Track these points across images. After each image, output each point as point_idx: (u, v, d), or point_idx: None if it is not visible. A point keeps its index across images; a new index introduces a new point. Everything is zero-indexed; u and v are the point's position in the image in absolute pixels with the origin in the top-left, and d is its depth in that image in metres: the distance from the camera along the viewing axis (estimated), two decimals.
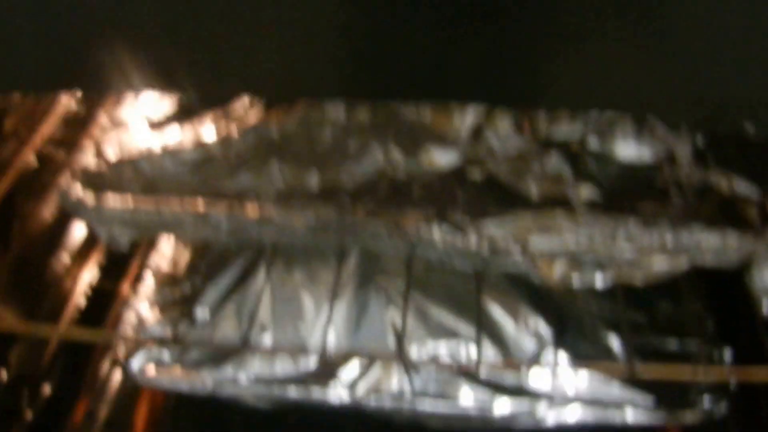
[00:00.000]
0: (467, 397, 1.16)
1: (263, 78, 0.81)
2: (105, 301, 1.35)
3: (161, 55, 0.77)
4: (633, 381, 1.16)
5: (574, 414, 1.16)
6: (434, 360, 1.18)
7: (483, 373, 1.18)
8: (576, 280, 1.02)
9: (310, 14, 0.73)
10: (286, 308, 1.22)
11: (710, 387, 1.17)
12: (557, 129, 1.10)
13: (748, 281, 1.01)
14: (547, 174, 1.05)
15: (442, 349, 1.19)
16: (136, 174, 1.07)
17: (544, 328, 1.19)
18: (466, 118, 1.11)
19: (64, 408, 1.30)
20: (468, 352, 1.19)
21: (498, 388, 1.17)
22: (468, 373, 1.18)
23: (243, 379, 1.18)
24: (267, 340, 1.20)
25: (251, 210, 1.00)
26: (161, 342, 1.20)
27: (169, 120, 1.15)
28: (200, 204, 1.01)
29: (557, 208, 1.00)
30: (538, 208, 1.00)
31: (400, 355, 1.17)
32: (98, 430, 1.33)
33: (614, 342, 1.20)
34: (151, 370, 1.21)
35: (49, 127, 1.25)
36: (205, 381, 1.19)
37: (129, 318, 1.26)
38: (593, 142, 1.09)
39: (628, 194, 1.03)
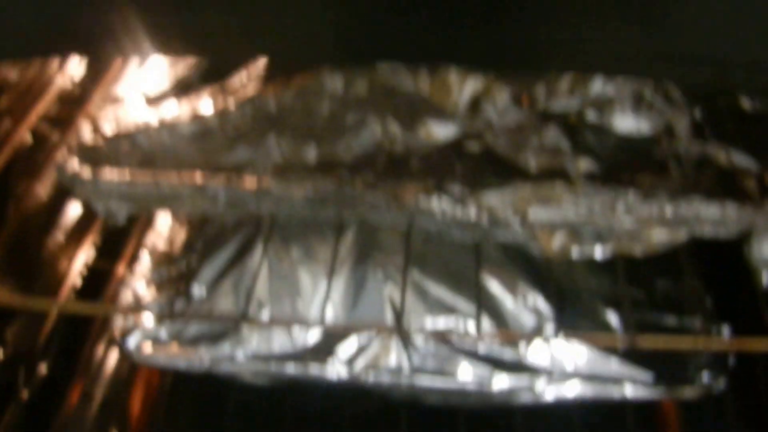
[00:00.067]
0: (466, 373, 1.16)
1: (276, 41, 0.80)
2: (101, 281, 1.35)
3: (169, 19, 0.77)
4: (632, 356, 1.16)
5: (572, 389, 1.15)
6: (433, 335, 1.18)
7: (482, 348, 1.17)
8: (575, 252, 1.01)
9: None
10: (283, 285, 1.21)
11: (709, 363, 1.16)
12: (555, 102, 1.10)
13: (747, 253, 1.00)
14: (545, 146, 1.05)
15: (441, 324, 1.18)
16: (133, 148, 1.06)
17: (542, 304, 1.19)
18: (464, 91, 1.11)
19: (60, 388, 1.30)
20: (466, 327, 1.18)
21: (497, 364, 1.17)
22: (467, 349, 1.17)
23: (240, 355, 1.18)
24: (264, 316, 1.20)
25: (249, 182, 1.00)
26: (159, 317, 1.19)
27: (166, 95, 1.14)
28: (198, 176, 1.00)
29: (557, 180, 0.99)
30: (537, 180, 1.00)
31: (399, 331, 1.17)
32: (94, 410, 1.32)
33: (613, 318, 1.20)
34: (147, 347, 1.20)
35: (44, 105, 1.25)
36: (203, 358, 1.18)
37: (125, 296, 1.25)
38: (591, 115, 1.09)
39: (626, 167, 1.02)
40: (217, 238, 1.28)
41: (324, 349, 1.18)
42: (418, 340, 1.18)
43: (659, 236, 1.00)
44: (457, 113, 1.09)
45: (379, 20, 0.81)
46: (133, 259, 1.31)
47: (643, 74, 1.07)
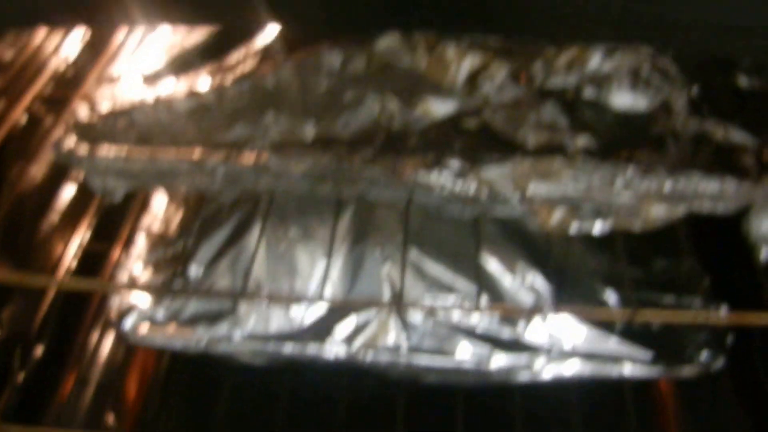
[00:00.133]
0: (464, 351, 1.16)
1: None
2: (96, 263, 1.34)
3: None
4: (630, 335, 1.16)
5: (571, 367, 1.15)
6: (431, 315, 1.18)
7: (480, 327, 1.17)
8: (574, 227, 1.01)
9: None
10: (280, 265, 1.21)
11: (707, 342, 1.17)
12: (553, 79, 1.10)
13: (745, 229, 1.01)
14: (543, 123, 1.05)
15: (439, 304, 1.18)
16: (129, 125, 1.06)
17: (541, 283, 1.19)
18: (462, 68, 1.10)
19: (56, 371, 1.29)
20: (464, 306, 1.18)
21: (495, 342, 1.17)
22: (465, 328, 1.17)
23: (237, 335, 1.17)
24: (262, 296, 1.19)
25: (247, 157, 0.99)
26: (156, 297, 1.19)
27: (162, 73, 1.14)
28: (196, 152, 1.00)
29: (555, 155, 0.99)
30: (536, 155, 0.99)
31: (397, 309, 1.16)
32: (90, 394, 1.31)
33: (611, 297, 1.20)
34: (144, 328, 1.19)
35: (39, 85, 1.24)
36: (200, 338, 1.17)
37: (121, 278, 1.24)
38: (589, 92, 1.09)
39: (624, 143, 1.02)
40: (214, 219, 1.27)
41: (322, 329, 1.18)
42: (417, 319, 1.17)
43: (658, 211, 1.00)
44: (455, 89, 1.09)
45: None
46: (129, 241, 1.30)
47: (641, 41, 1.07)
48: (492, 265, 1.19)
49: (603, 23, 0.87)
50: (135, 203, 1.35)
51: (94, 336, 1.35)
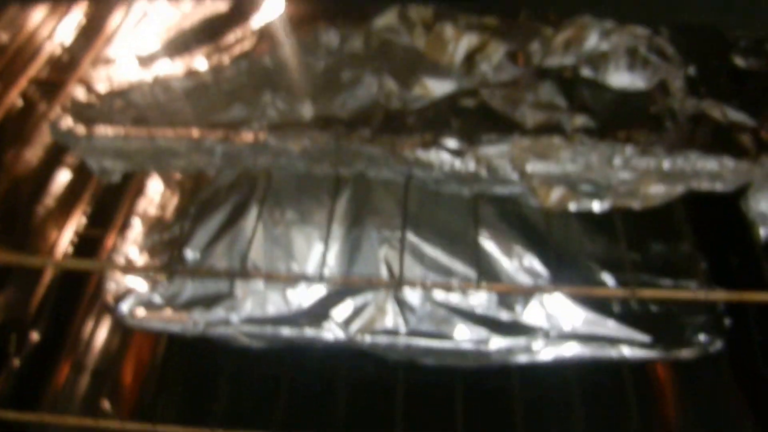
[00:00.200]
0: (462, 334, 1.15)
1: None
2: (92, 248, 1.33)
3: None
4: (629, 318, 1.16)
5: (570, 349, 1.15)
6: (429, 297, 1.17)
7: (478, 309, 1.17)
8: (573, 206, 1.01)
9: None
10: (277, 248, 1.21)
11: (706, 325, 1.17)
12: (550, 59, 1.10)
13: (743, 207, 1.01)
14: (541, 103, 1.05)
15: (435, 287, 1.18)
16: (127, 105, 1.05)
17: (538, 266, 1.19)
18: (460, 47, 1.10)
19: (52, 357, 1.28)
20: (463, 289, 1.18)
21: (493, 324, 1.16)
22: (463, 310, 1.17)
23: (235, 319, 1.17)
24: (259, 280, 1.19)
25: (246, 136, 0.99)
26: (152, 281, 1.18)
27: (158, 55, 1.13)
28: (194, 131, 0.99)
29: (554, 134, 0.99)
30: (535, 134, 0.99)
31: (395, 292, 1.16)
32: (86, 380, 1.31)
33: (609, 280, 1.20)
34: (140, 312, 1.19)
35: (34, 69, 1.24)
36: (197, 321, 1.17)
37: (118, 262, 1.24)
38: (586, 72, 1.09)
39: (622, 122, 1.02)
40: (210, 203, 1.27)
41: (320, 312, 1.17)
42: (415, 301, 1.17)
43: (656, 190, 1.00)
44: (453, 69, 1.09)
45: None
46: (125, 226, 1.29)
47: (637, 16, 1.07)
48: (490, 247, 1.19)
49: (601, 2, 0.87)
50: (130, 188, 1.34)
51: (90, 322, 1.34)
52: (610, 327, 1.16)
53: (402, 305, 1.17)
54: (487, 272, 1.17)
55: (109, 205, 1.36)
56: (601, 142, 0.98)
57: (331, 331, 1.16)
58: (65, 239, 1.32)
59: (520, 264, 1.19)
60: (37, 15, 1.31)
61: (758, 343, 1.22)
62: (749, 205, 1.00)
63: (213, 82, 1.08)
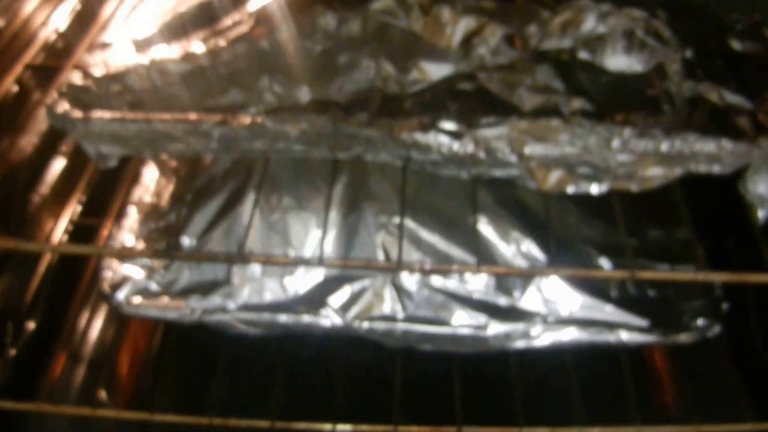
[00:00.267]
0: (460, 319, 1.15)
1: None
2: (87, 237, 1.32)
3: None
4: (627, 303, 1.16)
5: (568, 334, 1.15)
6: (426, 283, 1.17)
7: (476, 294, 1.17)
8: (571, 188, 1.01)
9: None
10: (274, 234, 1.20)
11: (704, 309, 1.17)
12: (547, 42, 1.10)
13: (742, 190, 1.01)
14: (538, 86, 1.05)
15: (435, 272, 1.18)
16: (123, 88, 1.05)
17: (536, 251, 1.19)
18: (457, 31, 1.10)
19: (48, 347, 1.28)
20: (461, 274, 1.18)
21: (491, 309, 1.16)
22: (461, 295, 1.17)
23: (232, 306, 1.16)
24: (257, 266, 1.18)
25: (244, 118, 0.98)
26: (149, 269, 1.18)
27: (155, 40, 1.13)
28: (191, 114, 0.99)
29: (552, 117, 0.99)
30: (533, 117, 0.99)
31: (393, 278, 1.16)
32: (82, 370, 1.30)
33: (606, 265, 1.20)
34: (137, 300, 1.18)
35: (29, 56, 1.23)
36: (193, 308, 1.16)
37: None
38: (583, 55, 1.09)
39: (619, 106, 1.02)
40: (206, 190, 1.26)
41: (317, 298, 1.17)
42: (412, 287, 1.17)
43: (654, 173, 1.00)
44: (451, 53, 1.09)
45: None
46: (120, 214, 1.28)
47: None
48: (487, 233, 1.19)
49: None
50: (126, 176, 1.33)
51: (86, 312, 1.34)
52: (608, 312, 1.16)
53: (399, 291, 1.17)
54: (484, 257, 1.17)
55: (104, 193, 1.35)
56: (599, 125, 0.98)
57: (329, 318, 1.16)
58: (60, 228, 1.31)
59: (517, 249, 1.19)
60: (31, 2, 1.30)
61: (756, 328, 1.22)
62: (747, 188, 1.00)
63: (210, 65, 1.07)
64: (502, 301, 1.17)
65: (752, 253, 1.05)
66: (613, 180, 1.01)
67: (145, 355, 1.35)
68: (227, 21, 1.14)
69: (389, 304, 1.16)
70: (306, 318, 1.15)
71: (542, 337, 1.15)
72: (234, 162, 1.27)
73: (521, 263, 1.18)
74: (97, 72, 1.06)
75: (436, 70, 1.06)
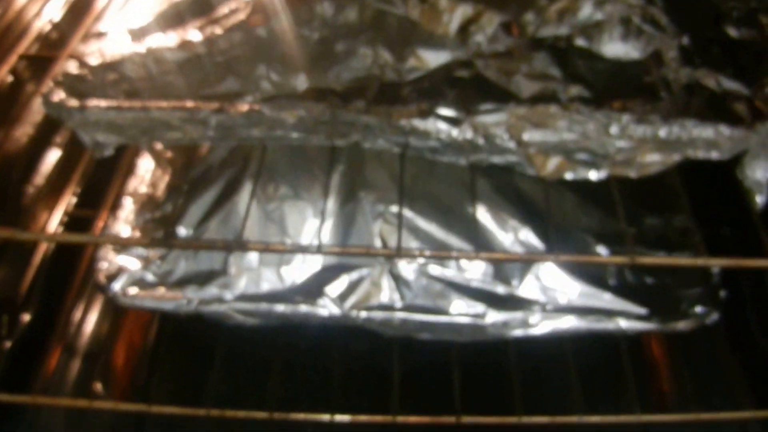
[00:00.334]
0: (458, 308, 1.15)
1: None
2: (83, 228, 1.32)
3: None
4: (625, 291, 1.16)
5: (566, 322, 1.15)
6: (424, 272, 1.17)
7: (474, 283, 1.16)
8: (570, 174, 1.01)
9: None
10: (271, 224, 1.20)
11: (702, 297, 1.17)
12: (544, 29, 1.10)
13: (740, 176, 1.01)
14: (536, 73, 1.04)
15: (432, 260, 1.17)
16: (119, 77, 1.04)
17: (534, 239, 1.19)
18: (454, 18, 1.10)
19: (43, 340, 1.27)
20: (458, 263, 1.18)
21: (490, 299, 1.16)
22: (459, 284, 1.17)
23: (228, 296, 1.16)
24: (254, 256, 1.18)
25: (241, 106, 0.98)
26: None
27: (151, 29, 1.12)
28: (189, 102, 0.98)
29: (550, 104, 0.99)
30: (531, 104, 0.99)
31: (391, 267, 1.16)
32: (77, 363, 1.29)
33: (604, 253, 1.20)
34: (133, 290, 1.18)
35: (23, 47, 1.22)
36: (190, 299, 1.16)
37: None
38: (580, 42, 1.09)
39: (617, 93, 1.02)
40: (203, 179, 1.26)
41: (314, 288, 1.17)
42: (410, 276, 1.16)
43: (653, 159, 1.00)
44: (448, 40, 1.08)
45: None
46: (115, 205, 1.27)
47: None
48: (485, 221, 1.19)
49: None
50: (120, 167, 1.33)
51: (82, 304, 1.33)
52: (606, 300, 1.16)
53: (397, 280, 1.17)
54: (482, 246, 1.17)
55: (100, 184, 1.34)
56: (598, 111, 0.97)
57: (326, 307, 1.15)
58: (55, 220, 1.31)
59: (515, 237, 1.19)
60: None
61: (753, 316, 1.23)
62: (745, 174, 1.00)
63: (206, 54, 1.06)
64: (501, 289, 1.17)
65: (750, 240, 1.05)
66: (612, 166, 1.01)
67: (141, 347, 1.34)
68: (224, 9, 1.13)
69: (387, 293, 1.16)
70: (303, 308, 1.15)
71: (541, 326, 1.15)
72: (230, 152, 1.27)
73: (519, 251, 1.18)
74: (93, 61, 1.06)
75: (433, 58, 1.06)
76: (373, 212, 1.19)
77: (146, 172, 1.32)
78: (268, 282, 1.17)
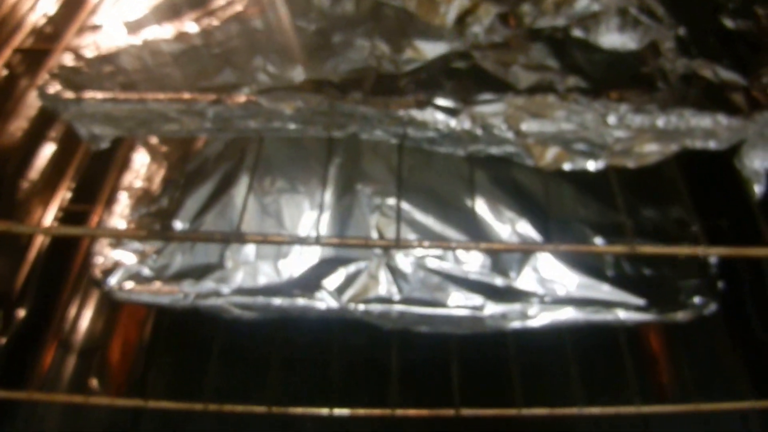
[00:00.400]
0: (456, 300, 1.15)
1: None
2: (78, 224, 1.31)
3: None
4: (623, 282, 1.16)
5: (564, 314, 1.15)
6: (421, 264, 1.17)
7: (472, 275, 1.16)
8: (568, 165, 1.01)
9: None
10: (268, 217, 1.19)
11: (699, 288, 1.17)
12: (542, 20, 1.10)
13: (738, 165, 1.01)
14: (533, 64, 1.04)
15: (430, 253, 1.17)
16: (115, 69, 1.03)
17: (532, 231, 1.19)
18: (451, 9, 1.10)
19: (39, 335, 1.26)
20: (456, 256, 1.17)
21: (488, 291, 1.16)
22: (457, 276, 1.16)
23: (225, 290, 1.15)
24: (250, 249, 1.17)
25: (238, 97, 0.97)
26: (148, 236, 1.16)
27: (146, 21, 1.11)
28: (186, 93, 0.98)
29: (548, 94, 0.99)
30: (529, 94, 0.99)
31: (388, 259, 1.15)
32: (73, 359, 1.29)
33: (602, 245, 1.19)
34: (129, 285, 1.17)
35: (18, 41, 1.21)
36: (187, 293, 1.15)
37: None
38: (577, 33, 1.09)
39: (614, 83, 1.02)
40: (199, 173, 1.25)
41: (312, 281, 1.16)
42: (408, 268, 1.16)
43: (651, 149, 1.00)
44: (445, 31, 1.08)
45: None
46: (111, 200, 1.27)
47: None
48: (482, 213, 1.19)
49: None
50: (115, 162, 1.32)
51: (77, 300, 1.32)
52: (605, 291, 1.16)
53: (395, 273, 1.17)
54: (480, 238, 1.17)
55: (94, 179, 1.33)
56: (595, 101, 0.97)
57: (324, 300, 1.15)
58: (50, 215, 1.30)
59: (512, 229, 1.19)
60: None
61: (751, 307, 1.23)
62: (743, 163, 1.00)
63: (203, 45, 1.06)
64: (499, 281, 1.16)
65: (747, 232, 1.05)
66: (610, 156, 1.01)
67: (137, 342, 1.34)
68: (220, 1, 1.12)
69: (385, 286, 1.16)
70: (301, 301, 1.15)
71: (539, 317, 1.15)
72: (226, 145, 1.26)
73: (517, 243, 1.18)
74: (89, 53, 1.05)
75: (430, 49, 1.06)
76: (370, 205, 1.18)
77: (141, 167, 1.31)
78: (265, 275, 1.17)
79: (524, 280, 1.16)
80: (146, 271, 1.18)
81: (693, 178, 1.22)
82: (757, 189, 1.01)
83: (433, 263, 1.17)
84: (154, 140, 1.33)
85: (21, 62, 1.23)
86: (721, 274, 1.18)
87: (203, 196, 1.21)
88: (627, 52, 1.08)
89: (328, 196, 1.19)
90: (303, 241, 1.04)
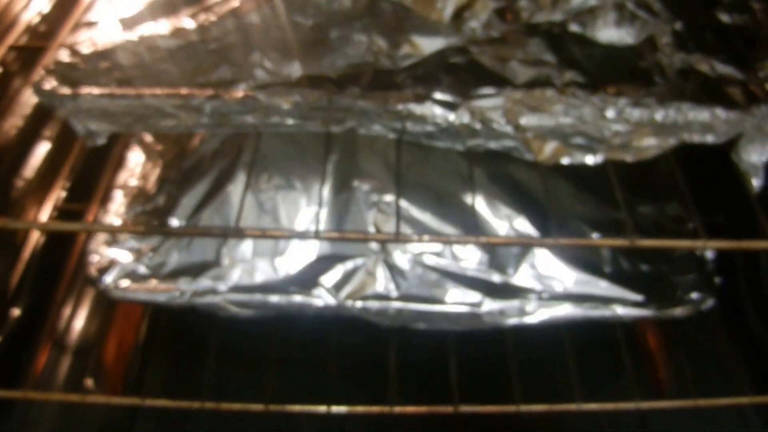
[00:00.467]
0: (454, 297, 1.15)
1: None
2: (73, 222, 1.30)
3: None
4: (621, 279, 1.16)
5: (562, 310, 1.15)
6: (419, 261, 1.16)
7: (470, 272, 1.16)
8: (566, 159, 1.01)
9: None
10: (265, 215, 1.19)
11: (697, 284, 1.17)
12: (539, 15, 1.10)
13: (735, 159, 1.01)
14: (530, 59, 1.05)
15: (428, 249, 1.17)
16: (112, 65, 1.03)
17: (529, 228, 1.18)
18: (448, 4, 1.10)
19: (34, 334, 1.25)
20: (453, 252, 1.17)
21: (486, 287, 1.16)
22: (455, 273, 1.16)
23: (222, 288, 1.15)
24: (247, 246, 1.17)
25: (236, 92, 0.97)
26: (145, 230, 1.16)
27: (143, 17, 1.11)
28: (183, 89, 0.97)
29: (546, 88, 0.99)
30: (528, 88, 0.99)
31: (386, 256, 1.15)
32: (68, 359, 1.28)
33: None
34: (125, 283, 1.16)
35: (12, 39, 1.21)
36: (183, 291, 1.15)
37: (99, 235, 1.21)
38: (575, 28, 1.09)
39: (611, 77, 1.02)
40: (195, 170, 1.25)
41: (309, 278, 1.16)
42: (405, 265, 1.16)
43: (649, 143, 1.00)
44: (442, 26, 1.08)
45: None
46: (106, 198, 1.26)
47: None
48: (480, 209, 1.19)
49: None
50: (110, 161, 1.31)
51: (72, 298, 1.31)
52: (603, 287, 1.16)
53: (392, 269, 1.16)
54: (478, 234, 1.16)
55: (89, 178, 1.32)
56: (593, 95, 0.97)
57: (321, 298, 1.15)
58: (45, 214, 1.29)
59: (510, 225, 1.18)
60: None
61: (749, 302, 1.23)
62: (741, 157, 1.00)
63: (199, 41, 1.05)
64: (496, 278, 1.16)
65: (745, 228, 1.05)
66: (608, 150, 1.01)
67: (133, 341, 1.33)
68: None
69: (382, 282, 1.16)
70: (298, 298, 1.14)
71: (537, 314, 1.15)
72: (223, 142, 1.26)
73: None
74: (85, 49, 1.04)
75: (427, 44, 1.06)
76: (367, 202, 1.18)
77: (136, 165, 1.31)
78: (262, 273, 1.16)
79: (522, 276, 1.16)
80: (142, 269, 1.17)
81: (691, 174, 1.22)
82: (755, 182, 1.01)
83: (430, 260, 1.16)
84: (149, 138, 1.33)
85: (15, 60, 1.23)
86: (718, 269, 1.18)
87: (199, 194, 1.21)
88: (624, 47, 1.08)
89: (325, 192, 1.19)
90: (302, 235, 1.04)
